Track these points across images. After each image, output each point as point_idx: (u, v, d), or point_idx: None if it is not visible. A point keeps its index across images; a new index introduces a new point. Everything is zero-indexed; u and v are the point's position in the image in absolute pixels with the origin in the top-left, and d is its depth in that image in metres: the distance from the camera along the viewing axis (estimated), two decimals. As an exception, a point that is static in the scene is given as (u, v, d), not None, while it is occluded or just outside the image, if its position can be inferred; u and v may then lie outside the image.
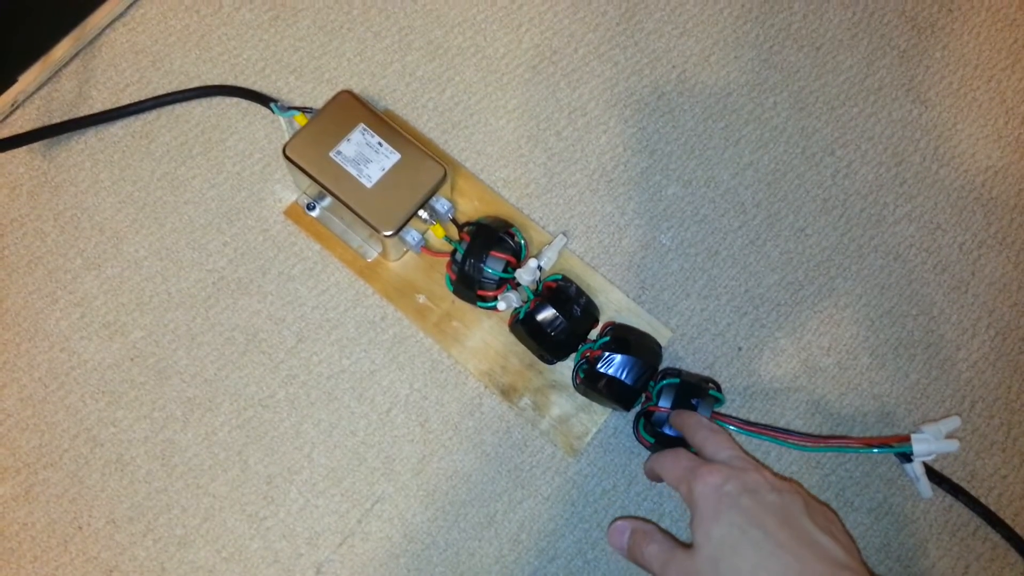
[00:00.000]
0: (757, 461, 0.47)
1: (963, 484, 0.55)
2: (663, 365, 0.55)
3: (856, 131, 0.64)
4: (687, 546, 0.44)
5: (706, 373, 0.57)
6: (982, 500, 0.54)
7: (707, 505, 0.43)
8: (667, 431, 0.51)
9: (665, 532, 0.47)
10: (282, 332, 0.57)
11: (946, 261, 0.61)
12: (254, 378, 0.56)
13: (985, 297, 0.60)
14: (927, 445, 0.51)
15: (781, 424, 0.56)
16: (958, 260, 0.61)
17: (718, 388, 0.53)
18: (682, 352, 0.58)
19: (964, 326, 0.59)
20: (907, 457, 0.52)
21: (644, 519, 0.53)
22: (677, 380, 0.52)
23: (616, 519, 0.51)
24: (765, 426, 0.52)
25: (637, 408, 0.54)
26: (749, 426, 0.52)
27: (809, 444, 0.52)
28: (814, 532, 0.42)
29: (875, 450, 0.52)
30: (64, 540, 0.53)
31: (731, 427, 0.51)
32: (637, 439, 0.54)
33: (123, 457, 0.54)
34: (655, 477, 0.51)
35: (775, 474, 0.46)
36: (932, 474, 0.54)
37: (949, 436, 0.51)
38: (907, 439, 0.51)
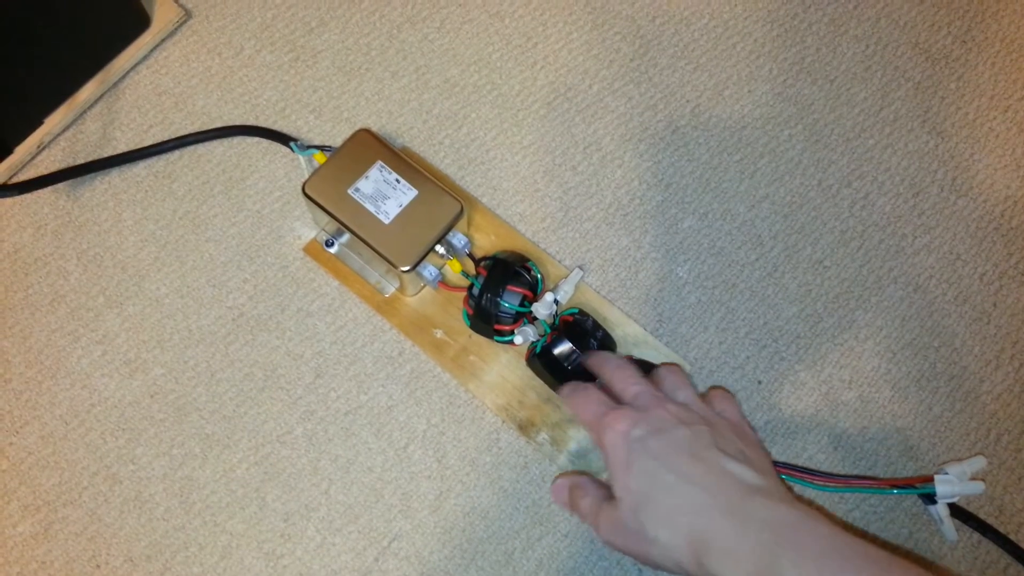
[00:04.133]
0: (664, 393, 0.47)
1: (990, 520, 0.54)
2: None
3: (872, 163, 0.64)
4: (613, 499, 0.45)
5: (725, 407, 0.57)
6: (1011, 537, 0.53)
7: (618, 455, 0.44)
8: None
9: (597, 483, 0.48)
10: (300, 368, 0.57)
11: (967, 292, 0.60)
12: (272, 414, 0.56)
13: (1008, 328, 0.59)
14: (951, 487, 0.50)
15: (803, 459, 0.56)
16: (979, 291, 0.60)
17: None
18: (701, 387, 0.57)
19: (987, 358, 0.58)
20: (931, 499, 0.51)
21: (580, 472, 0.53)
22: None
23: (556, 477, 0.52)
24: (787, 465, 0.51)
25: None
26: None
27: (831, 484, 0.51)
28: (724, 460, 0.42)
29: (896, 491, 0.51)
30: (82, 578, 0.53)
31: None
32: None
33: (141, 495, 0.55)
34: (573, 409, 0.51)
35: (682, 404, 0.46)
36: (958, 512, 0.53)
37: (974, 477, 0.50)
38: (930, 480, 0.50)
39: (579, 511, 0.47)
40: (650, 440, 0.43)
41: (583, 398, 0.48)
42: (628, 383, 0.48)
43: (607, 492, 0.46)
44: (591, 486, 0.48)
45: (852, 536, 0.39)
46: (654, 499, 0.42)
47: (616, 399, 0.47)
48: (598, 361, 0.51)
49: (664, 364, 0.51)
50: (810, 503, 0.54)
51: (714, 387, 0.50)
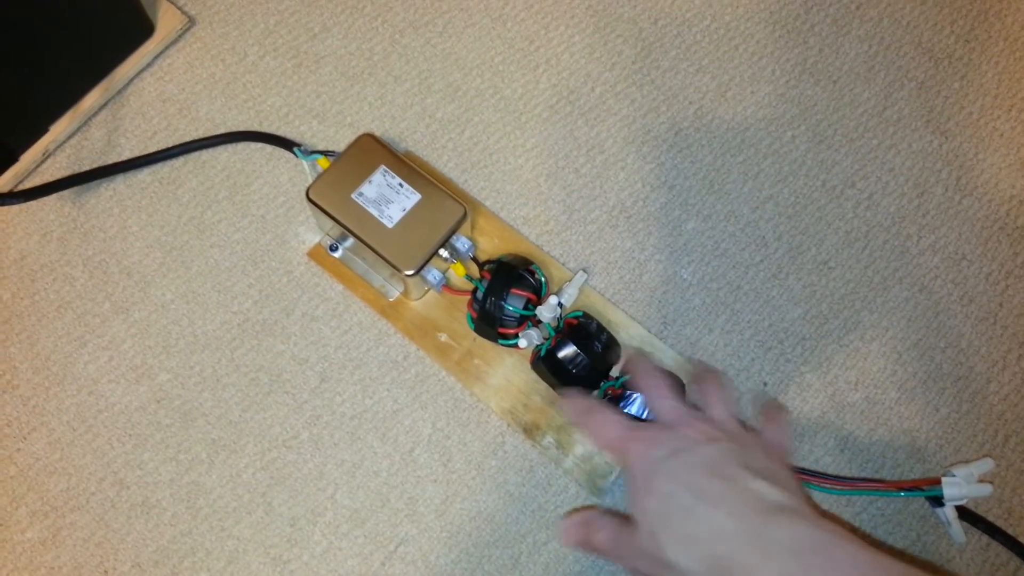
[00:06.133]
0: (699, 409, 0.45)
1: (999, 523, 0.53)
2: (687, 402, 0.55)
3: (876, 163, 0.63)
4: (630, 523, 0.42)
5: (731, 409, 0.57)
6: (1020, 540, 0.53)
7: (638, 477, 0.42)
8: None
9: (610, 514, 0.45)
10: (305, 372, 0.57)
11: (973, 292, 0.60)
12: (278, 419, 0.56)
13: (1015, 328, 0.59)
14: (958, 489, 0.49)
15: (809, 461, 0.55)
16: (985, 291, 0.60)
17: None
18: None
19: (994, 358, 0.58)
20: (938, 501, 0.50)
21: (586, 507, 0.51)
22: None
23: (560, 521, 0.50)
24: (793, 468, 0.51)
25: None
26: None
27: (837, 487, 0.51)
28: (747, 479, 0.40)
29: (903, 494, 0.51)
30: (90, 584, 0.53)
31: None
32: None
33: (148, 500, 0.55)
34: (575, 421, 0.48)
35: (712, 420, 0.44)
36: (966, 514, 0.53)
37: (982, 479, 0.50)
38: (937, 482, 0.50)
39: (597, 547, 0.44)
40: (672, 460, 0.41)
41: (600, 420, 0.45)
42: (656, 397, 0.46)
43: (624, 519, 0.43)
44: (604, 518, 0.44)
45: (879, 553, 0.37)
46: (672, 521, 0.40)
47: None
48: (634, 365, 0.49)
49: (705, 371, 0.48)
50: (817, 507, 0.54)
51: (770, 403, 0.47)
